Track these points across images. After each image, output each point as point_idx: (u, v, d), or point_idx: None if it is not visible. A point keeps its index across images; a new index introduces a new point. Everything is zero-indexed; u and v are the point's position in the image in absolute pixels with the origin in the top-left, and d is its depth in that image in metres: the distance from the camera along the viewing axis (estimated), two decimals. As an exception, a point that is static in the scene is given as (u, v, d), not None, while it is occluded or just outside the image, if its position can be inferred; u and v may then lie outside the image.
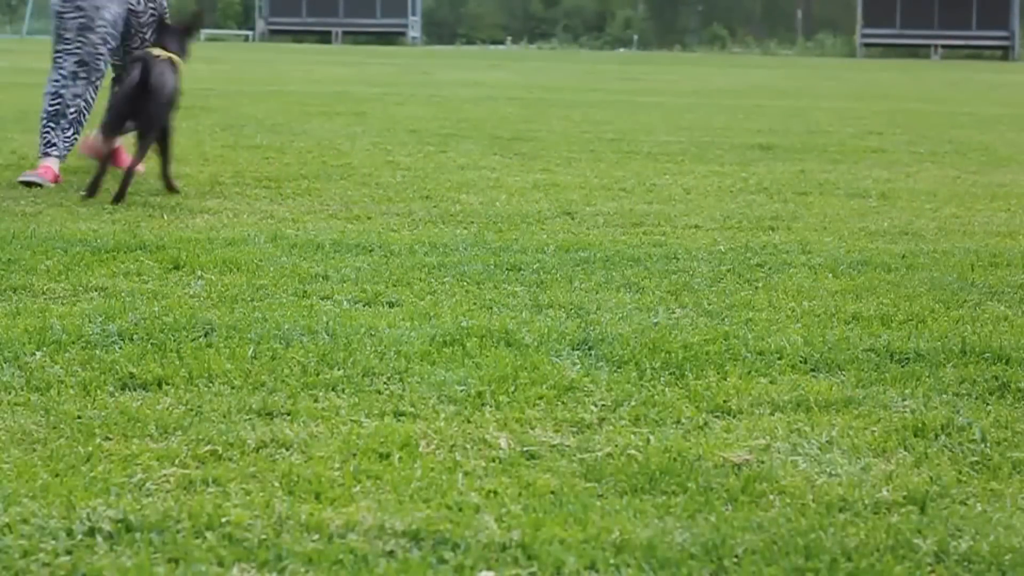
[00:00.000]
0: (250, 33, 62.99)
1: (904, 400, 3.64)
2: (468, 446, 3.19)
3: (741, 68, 37.40)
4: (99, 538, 2.61)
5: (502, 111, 15.21)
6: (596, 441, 3.24)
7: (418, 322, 4.38)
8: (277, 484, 2.91)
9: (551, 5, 71.22)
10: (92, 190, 7.21)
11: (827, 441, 3.29)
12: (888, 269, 5.55)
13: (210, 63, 30.50)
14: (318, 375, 3.74)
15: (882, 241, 6.37)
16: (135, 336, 4.10)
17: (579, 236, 6.27)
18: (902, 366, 3.99)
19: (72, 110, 7.87)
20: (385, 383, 3.69)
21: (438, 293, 4.89)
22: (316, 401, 3.52)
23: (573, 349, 4.08)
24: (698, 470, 3.04)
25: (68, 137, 7.90)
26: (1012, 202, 7.97)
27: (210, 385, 3.63)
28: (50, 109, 7.87)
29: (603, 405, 3.53)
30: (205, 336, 4.13)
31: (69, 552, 2.55)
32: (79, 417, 3.33)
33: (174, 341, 4.05)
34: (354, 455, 3.10)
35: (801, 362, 4.00)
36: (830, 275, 5.39)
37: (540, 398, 3.56)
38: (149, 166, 7.98)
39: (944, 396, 3.69)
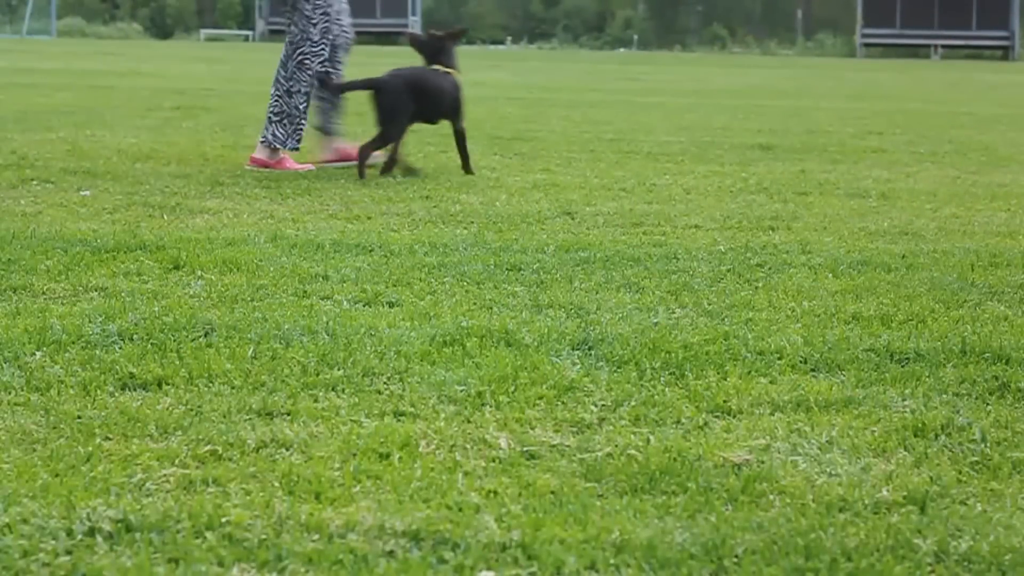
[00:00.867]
0: (250, 33, 62.98)
1: (904, 400, 3.64)
2: (468, 446, 3.19)
3: (741, 68, 37.39)
4: (99, 538, 2.61)
5: (502, 111, 15.20)
6: (596, 441, 3.24)
7: (418, 322, 4.38)
8: (277, 484, 2.91)
9: (551, 5, 71.19)
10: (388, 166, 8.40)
11: (827, 441, 3.29)
12: (888, 269, 5.55)
13: (210, 63, 30.49)
14: (318, 375, 3.74)
15: (882, 241, 6.37)
16: (135, 336, 4.10)
17: (579, 236, 6.27)
18: (902, 366, 3.99)
19: (307, 107, 8.76)
20: (385, 383, 3.69)
21: (438, 293, 4.89)
22: (316, 401, 3.52)
23: (573, 349, 4.08)
24: (698, 470, 3.04)
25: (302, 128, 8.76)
26: (1012, 202, 7.97)
27: (210, 385, 3.63)
28: (302, 107, 8.74)
29: (603, 405, 3.53)
30: (205, 336, 4.13)
31: (69, 552, 2.55)
32: (79, 417, 3.33)
33: (174, 341, 4.05)
34: (354, 455, 3.10)
35: (801, 362, 4.00)
36: (830, 275, 5.39)
37: (540, 398, 3.56)
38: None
39: (944, 396, 3.69)
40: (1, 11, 67.55)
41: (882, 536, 2.70)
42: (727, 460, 3.12)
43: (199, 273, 5.15)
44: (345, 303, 4.68)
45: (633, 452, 3.16)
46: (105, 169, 8.55)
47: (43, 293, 4.77)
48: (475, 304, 4.71)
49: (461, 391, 3.60)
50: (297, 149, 8.80)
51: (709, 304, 4.78)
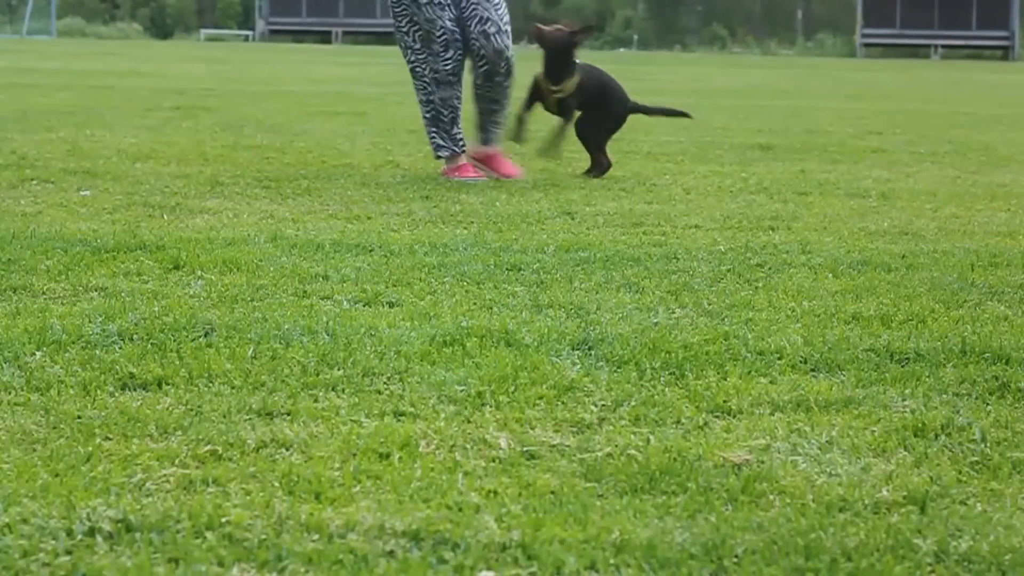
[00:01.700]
0: (250, 33, 63.02)
1: (904, 400, 3.64)
2: (468, 446, 3.19)
3: (741, 68, 37.37)
4: (99, 538, 2.61)
5: (502, 111, 15.17)
6: (596, 441, 3.24)
7: (418, 322, 4.38)
8: (277, 484, 2.91)
9: (551, 5, 71.16)
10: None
11: (827, 441, 3.29)
12: (888, 269, 5.55)
13: (210, 63, 30.50)
14: (318, 375, 3.74)
15: (882, 241, 6.37)
16: (135, 336, 4.10)
17: (579, 236, 6.27)
18: (902, 366, 3.99)
19: (446, 112, 8.40)
20: (385, 383, 3.69)
21: (438, 293, 4.89)
22: (316, 401, 3.52)
23: (573, 349, 4.08)
24: (698, 470, 3.04)
25: (449, 132, 8.44)
26: (1012, 202, 7.97)
27: (210, 385, 3.63)
28: (428, 116, 8.45)
29: (603, 405, 3.53)
30: (205, 336, 4.13)
31: (69, 552, 2.55)
32: (79, 417, 3.33)
33: (174, 341, 4.05)
34: (354, 455, 3.10)
35: (801, 362, 4.00)
36: (830, 275, 5.39)
37: (540, 398, 3.56)
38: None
39: (944, 396, 3.69)
40: (1, 11, 67.58)
41: (882, 536, 2.70)
42: (727, 460, 3.12)
43: (199, 273, 5.15)
44: (345, 303, 4.68)
45: (633, 452, 3.16)
46: (105, 169, 8.55)
47: (43, 293, 4.77)
48: (475, 304, 4.71)
49: (461, 391, 3.60)
50: (445, 156, 8.51)
51: (709, 304, 4.78)
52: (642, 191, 8.12)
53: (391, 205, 7.22)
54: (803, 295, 4.98)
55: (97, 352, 3.91)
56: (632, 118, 9.19)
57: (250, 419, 3.35)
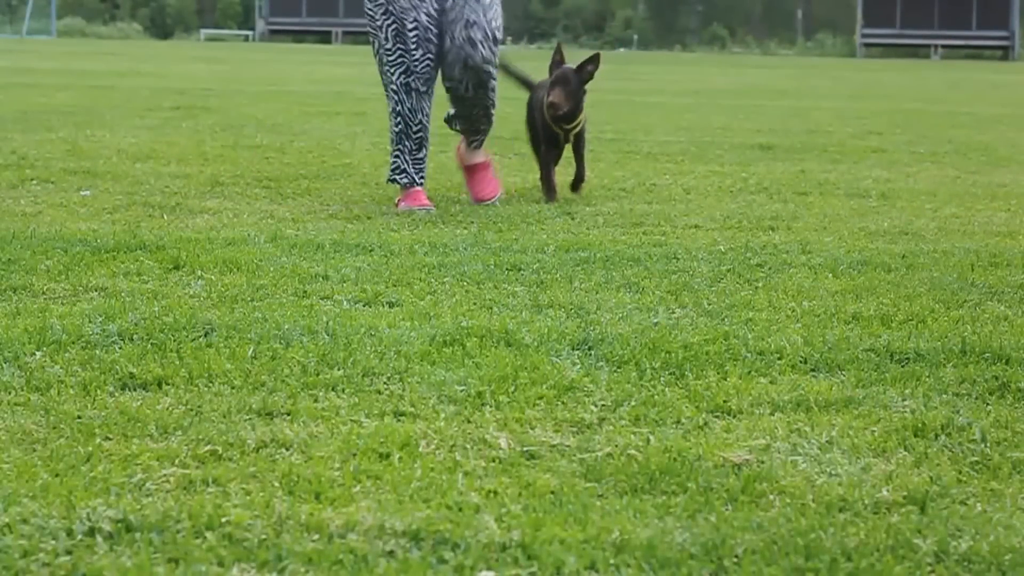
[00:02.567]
0: (250, 33, 63.03)
1: (904, 400, 3.64)
2: (468, 446, 3.19)
3: (741, 68, 37.38)
4: (99, 538, 2.61)
5: (502, 111, 15.17)
6: (596, 441, 3.24)
7: (418, 322, 4.38)
8: (277, 484, 2.91)
9: (551, 5, 71.20)
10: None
11: (827, 441, 3.29)
12: (888, 269, 5.55)
13: (210, 63, 30.50)
14: (318, 375, 3.74)
15: (882, 241, 6.37)
16: (135, 336, 4.10)
17: (579, 236, 6.27)
18: (902, 366, 3.99)
19: (414, 128, 7.26)
20: (385, 383, 3.69)
21: (438, 293, 4.89)
22: (316, 401, 3.52)
23: (573, 349, 4.08)
24: (698, 470, 3.04)
25: (415, 155, 7.28)
26: (1012, 202, 7.97)
27: (210, 385, 3.63)
28: (396, 130, 7.31)
29: (603, 405, 3.53)
30: (205, 336, 4.13)
31: (69, 552, 2.55)
32: (79, 417, 3.33)
33: (174, 341, 4.05)
34: (354, 455, 3.10)
35: (801, 362, 4.00)
36: (830, 275, 5.39)
37: (540, 398, 3.56)
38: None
39: (944, 396, 3.69)
40: (1, 11, 67.59)
41: (882, 536, 2.70)
42: (727, 460, 3.12)
43: (199, 273, 5.15)
44: (345, 303, 4.68)
45: (633, 452, 3.16)
46: (105, 169, 8.55)
47: (43, 293, 4.76)
48: (475, 304, 4.71)
49: (461, 391, 3.60)
50: (404, 183, 7.29)
51: (709, 304, 4.78)
52: (642, 191, 8.12)
53: (391, 205, 7.22)
54: (803, 295, 4.98)
55: (97, 352, 3.91)
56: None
57: (250, 419, 3.35)
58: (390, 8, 7.24)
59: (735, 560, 2.58)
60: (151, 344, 4.02)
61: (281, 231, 6.16)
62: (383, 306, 4.66)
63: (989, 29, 58.69)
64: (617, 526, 2.71)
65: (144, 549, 2.56)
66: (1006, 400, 3.68)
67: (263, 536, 2.63)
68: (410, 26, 7.20)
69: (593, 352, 4.04)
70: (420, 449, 3.16)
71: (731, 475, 3.02)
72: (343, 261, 5.45)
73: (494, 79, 7.43)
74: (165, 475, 2.95)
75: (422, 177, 7.32)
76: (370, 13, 7.34)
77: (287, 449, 3.14)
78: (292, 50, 44.68)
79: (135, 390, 3.59)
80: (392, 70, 7.20)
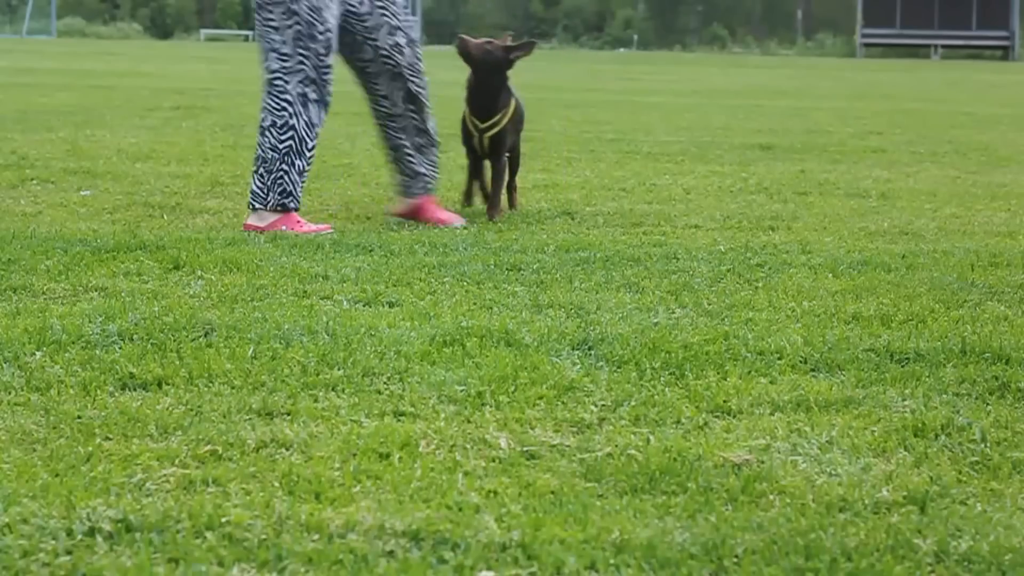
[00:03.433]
0: (250, 33, 62.98)
1: (904, 400, 3.64)
2: (468, 446, 3.19)
3: (741, 68, 37.38)
4: (99, 538, 2.61)
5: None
6: (596, 441, 3.24)
7: (418, 322, 4.38)
8: (277, 484, 2.91)
9: (551, 5, 71.23)
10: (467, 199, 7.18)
11: (827, 441, 3.28)
12: (888, 269, 5.55)
13: (210, 63, 30.49)
14: (318, 375, 3.74)
15: (882, 241, 6.37)
16: (135, 336, 4.10)
17: (579, 236, 6.27)
18: (902, 366, 3.99)
19: (310, 144, 6.36)
20: (385, 383, 3.69)
21: (438, 293, 4.89)
22: (316, 401, 3.52)
23: (573, 349, 4.08)
24: (698, 470, 3.04)
25: (303, 176, 6.39)
26: (1012, 202, 7.97)
27: (210, 385, 3.63)
28: (282, 147, 6.29)
29: (603, 405, 3.53)
30: (205, 336, 4.13)
31: (69, 552, 2.55)
32: (79, 417, 3.33)
33: (174, 341, 4.05)
34: (354, 455, 3.10)
35: (801, 362, 4.00)
36: (830, 275, 5.39)
37: (540, 398, 3.56)
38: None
39: (944, 396, 3.69)
40: (1, 11, 67.59)
41: (882, 536, 2.70)
42: (727, 460, 3.12)
43: (199, 273, 5.15)
44: (345, 303, 4.68)
45: (633, 452, 3.15)
46: (105, 169, 8.55)
47: (43, 293, 4.76)
48: (475, 304, 4.71)
49: (461, 391, 3.60)
50: (293, 208, 6.36)
51: (709, 304, 4.78)
52: (642, 191, 8.12)
53: (391, 205, 7.21)
54: (803, 295, 4.98)
55: (97, 352, 3.91)
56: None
57: (250, 419, 3.35)
58: (293, 8, 6.30)
59: (735, 560, 2.58)
60: (151, 344, 4.02)
61: (281, 231, 6.16)
62: (383, 306, 4.66)
63: (989, 29, 58.70)
64: (617, 526, 2.71)
65: (144, 549, 2.56)
66: (1006, 400, 3.68)
67: (263, 536, 2.63)
68: (320, 29, 6.33)
69: (593, 352, 4.04)
70: (420, 449, 3.16)
71: (731, 475, 3.02)
72: (343, 261, 5.45)
73: (424, 88, 6.73)
74: (165, 475, 2.95)
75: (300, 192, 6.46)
76: (265, 15, 6.35)
77: (287, 449, 3.14)
78: (292, 50, 44.64)
79: (135, 390, 3.59)
80: (288, 78, 6.29)
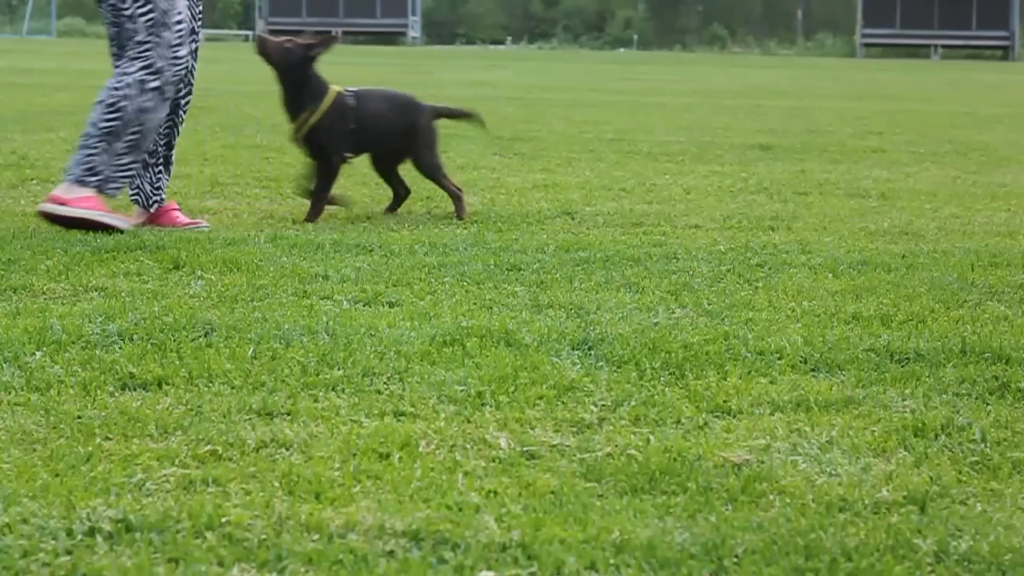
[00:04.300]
0: (250, 33, 63.01)
1: (904, 400, 3.64)
2: (468, 446, 3.19)
3: (741, 68, 37.38)
4: (99, 538, 2.61)
5: (502, 111, 15.20)
6: (596, 441, 3.24)
7: (418, 322, 4.38)
8: (277, 484, 2.91)
9: (551, 5, 71.21)
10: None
11: (827, 441, 3.28)
12: (888, 269, 5.55)
13: (210, 63, 30.46)
14: (318, 375, 3.74)
15: (882, 241, 6.37)
16: (135, 336, 4.10)
17: (579, 236, 6.27)
18: (902, 366, 3.99)
19: (135, 129, 6.09)
20: (385, 383, 3.69)
21: (438, 293, 4.89)
22: (316, 401, 3.52)
23: (573, 349, 4.08)
24: (698, 470, 3.04)
25: (124, 165, 6.12)
26: (1012, 202, 7.97)
27: (210, 385, 3.63)
28: (102, 125, 6.05)
29: (603, 405, 3.53)
30: (205, 336, 4.13)
31: (69, 552, 2.55)
32: (79, 417, 3.33)
33: (174, 341, 4.05)
34: (354, 455, 3.10)
35: (801, 362, 4.00)
36: (830, 275, 5.39)
37: (540, 398, 3.56)
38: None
39: (944, 396, 3.69)
40: (1, 11, 67.59)
41: (882, 536, 2.70)
42: (727, 460, 3.12)
43: (199, 273, 5.15)
44: (345, 303, 4.68)
45: (633, 452, 3.16)
46: (105, 169, 8.54)
47: (43, 293, 4.76)
48: (475, 304, 4.71)
49: (461, 391, 3.60)
50: (82, 183, 6.06)
51: (709, 304, 4.78)
52: (642, 191, 8.12)
53: (384, 203, 7.21)
54: (803, 295, 4.98)
55: (97, 352, 3.91)
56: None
57: (250, 419, 3.35)
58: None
59: (735, 560, 2.58)
60: (151, 344, 4.02)
61: (281, 231, 6.16)
62: (383, 306, 4.66)
63: (989, 29, 58.68)
64: (617, 526, 2.71)
65: (144, 549, 2.56)
66: (1006, 400, 3.68)
67: (263, 536, 2.63)
68: (175, 17, 6.10)
69: (593, 352, 4.04)
70: (420, 449, 3.16)
71: (731, 475, 3.02)
72: (343, 261, 5.45)
73: (185, 103, 6.42)
74: (165, 475, 2.95)
75: (163, 196, 6.34)
76: (118, 2, 6.11)
77: (287, 449, 3.14)
78: (292, 50, 44.60)
79: (135, 390, 3.59)
80: (133, 63, 6.06)
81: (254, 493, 2.86)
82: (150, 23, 6.07)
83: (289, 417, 3.38)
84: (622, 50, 61.89)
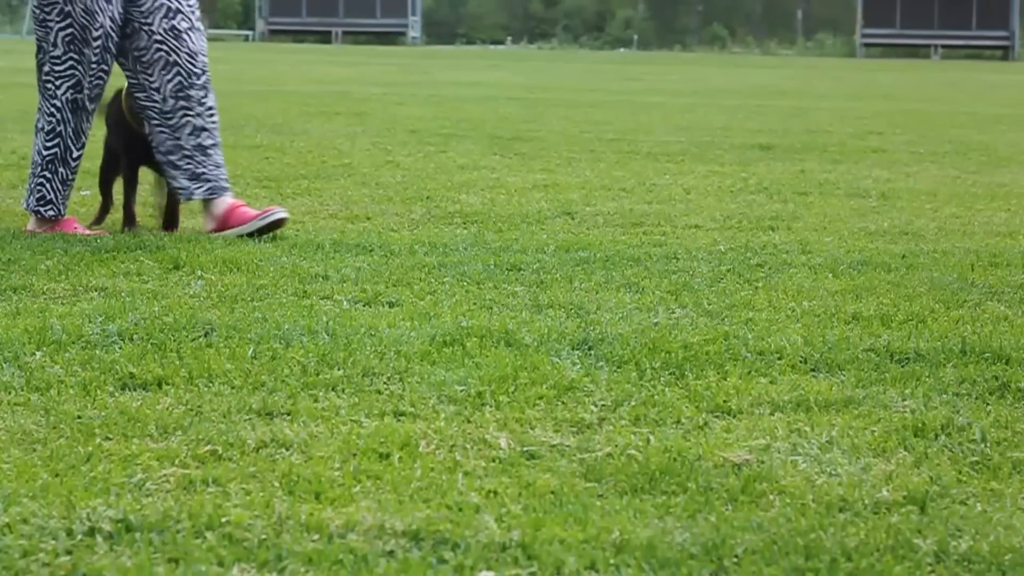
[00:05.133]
0: (250, 33, 63.01)
1: (904, 400, 3.64)
2: (468, 446, 3.19)
3: (741, 68, 37.38)
4: (99, 538, 2.61)
5: (502, 111, 15.20)
6: (596, 441, 3.24)
7: (418, 322, 4.38)
8: (277, 484, 2.91)
9: (551, 5, 71.19)
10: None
11: (827, 441, 3.28)
12: (888, 269, 5.55)
13: (210, 63, 30.46)
14: (318, 375, 3.74)
15: (882, 241, 6.37)
16: (135, 336, 4.10)
17: (579, 236, 6.27)
18: (902, 366, 3.99)
19: (75, 153, 6.18)
20: (385, 383, 3.69)
21: (438, 293, 4.89)
22: (316, 401, 3.52)
23: (573, 349, 4.08)
24: (698, 470, 3.04)
25: (68, 186, 6.23)
26: (1012, 202, 7.97)
27: (210, 385, 3.63)
28: (47, 153, 6.14)
29: (603, 405, 3.53)
30: (205, 336, 4.13)
31: (69, 552, 2.55)
32: (79, 417, 3.33)
33: (174, 341, 4.05)
34: (354, 455, 3.10)
35: (801, 362, 4.00)
36: (830, 275, 5.39)
37: (540, 398, 3.56)
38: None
39: (944, 396, 3.69)
40: (1, 11, 67.61)
41: (882, 536, 2.70)
42: (727, 460, 3.12)
43: (199, 273, 5.15)
44: (345, 303, 4.68)
45: (633, 452, 3.16)
46: (105, 169, 8.53)
47: (43, 293, 4.77)
48: (475, 304, 4.71)
49: (461, 391, 3.60)
50: (51, 215, 6.18)
51: (709, 304, 4.78)
52: (642, 191, 8.12)
53: (391, 205, 7.22)
54: (803, 295, 4.98)
55: (97, 352, 3.91)
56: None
57: (250, 419, 3.35)
58: (67, 9, 6.04)
59: (735, 560, 2.58)
60: (151, 344, 4.02)
61: (281, 231, 6.16)
62: (383, 306, 4.66)
63: (989, 29, 58.67)
64: (617, 526, 2.71)
65: (144, 549, 2.56)
66: (1006, 400, 3.68)
67: (263, 536, 2.63)
68: (95, 33, 6.07)
69: (593, 352, 4.04)
70: (420, 449, 3.16)
71: (731, 475, 3.02)
72: (343, 261, 5.46)
73: (208, 75, 6.43)
74: (165, 475, 2.95)
75: (65, 207, 6.26)
76: (41, 12, 6.11)
77: (287, 449, 3.14)
78: (292, 50, 44.67)
79: (135, 390, 3.59)
80: (59, 83, 6.08)
81: (254, 493, 2.86)
82: (70, 38, 6.08)
83: (289, 417, 3.38)
84: (622, 50, 61.87)
